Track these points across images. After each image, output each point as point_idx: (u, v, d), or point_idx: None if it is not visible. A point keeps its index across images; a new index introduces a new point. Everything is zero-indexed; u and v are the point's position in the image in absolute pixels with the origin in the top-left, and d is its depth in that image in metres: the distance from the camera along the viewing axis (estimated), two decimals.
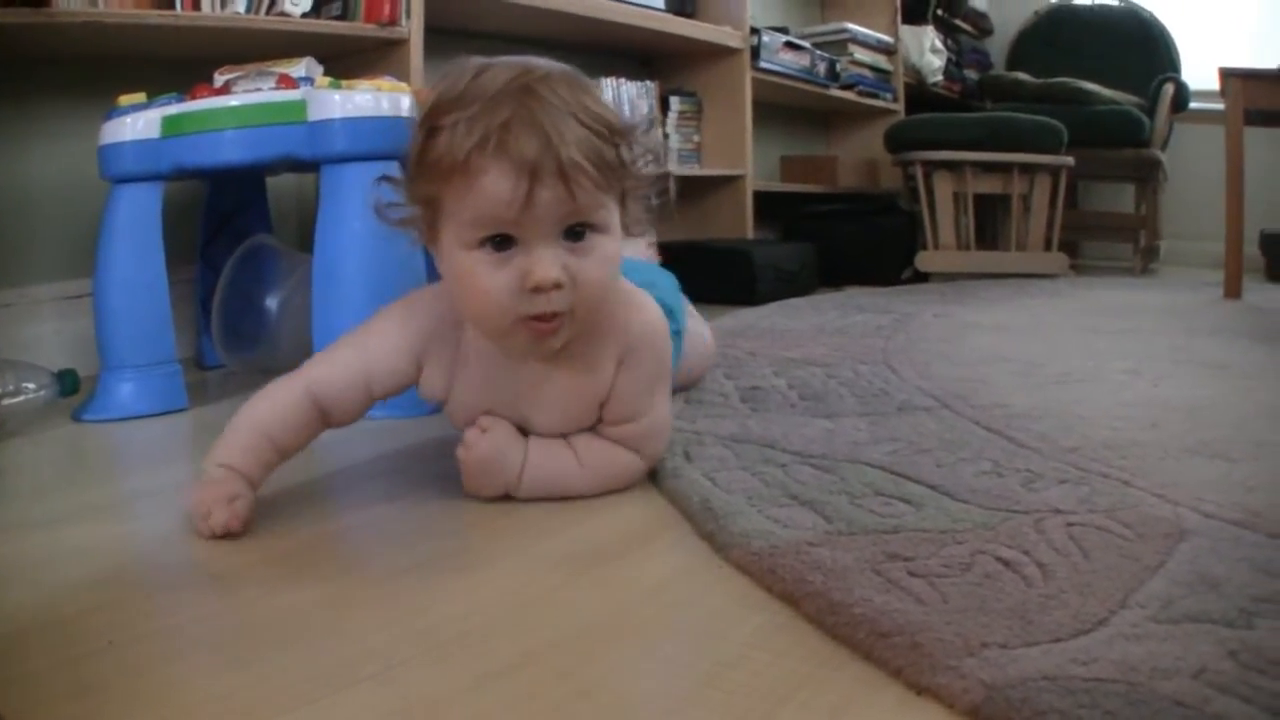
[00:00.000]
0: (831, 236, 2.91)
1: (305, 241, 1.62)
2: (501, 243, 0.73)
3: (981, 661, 0.52)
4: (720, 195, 2.77)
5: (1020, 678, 0.50)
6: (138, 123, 1.28)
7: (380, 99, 1.27)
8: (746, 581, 0.67)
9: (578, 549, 0.75)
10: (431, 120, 0.74)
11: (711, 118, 2.73)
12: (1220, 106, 3.32)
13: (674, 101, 2.62)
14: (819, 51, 2.97)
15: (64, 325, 1.60)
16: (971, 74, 3.91)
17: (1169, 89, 3.14)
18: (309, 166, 1.34)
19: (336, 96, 1.27)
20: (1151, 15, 3.61)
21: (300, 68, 1.40)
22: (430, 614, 0.63)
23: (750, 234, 2.74)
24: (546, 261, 0.73)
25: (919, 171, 2.88)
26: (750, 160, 2.73)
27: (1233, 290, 2.33)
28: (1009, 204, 2.90)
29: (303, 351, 1.45)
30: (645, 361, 0.85)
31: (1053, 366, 1.44)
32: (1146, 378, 1.36)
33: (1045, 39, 3.76)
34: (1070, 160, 2.80)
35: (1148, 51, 3.50)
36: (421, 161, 0.74)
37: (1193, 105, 3.30)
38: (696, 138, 2.72)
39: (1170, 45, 3.52)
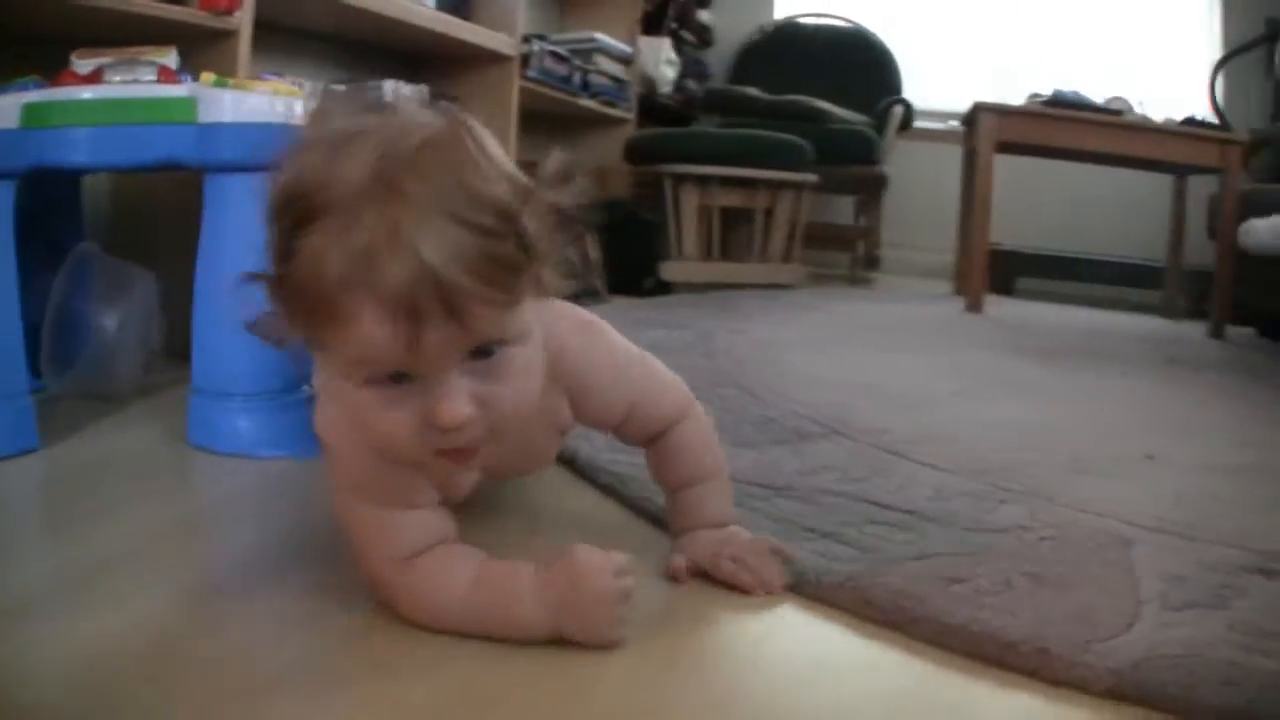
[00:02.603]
0: None
1: (117, 249, 1.54)
2: (395, 376, 0.66)
3: (1097, 655, 0.71)
4: None
5: (1130, 662, 0.70)
6: None
7: (275, 102, 1.26)
8: (823, 611, 0.82)
9: (652, 620, 0.78)
10: (291, 218, 0.65)
11: None
12: (937, 125, 3.92)
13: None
14: (575, 60, 3.15)
15: None
16: (691, 84, 4.27)
17: (897, 110, 3.66)
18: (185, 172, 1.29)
19: (228, 97, 1.24)
20: (877, 38, 4.16)
21: (170, 57, 1.35)
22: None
23: None
24: (450, 398, 0.65)
25: (668, 183, 3.14)
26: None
27: (975, 305, 2.79)
28: (750, 216, 3.24)
29: (138, 374, 1.42)
30: (591, 370, 0.84)
31: (887, 389, 1.71)
32: (972, 399, 1.67)
33: (772, 55, 4.21)
34: (814, 177, 3.19)
35: (873, 72, 4.04)
36: (284, 282, 0.66)
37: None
38: None
39: (894, 67, 4.09)
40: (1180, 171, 3.33)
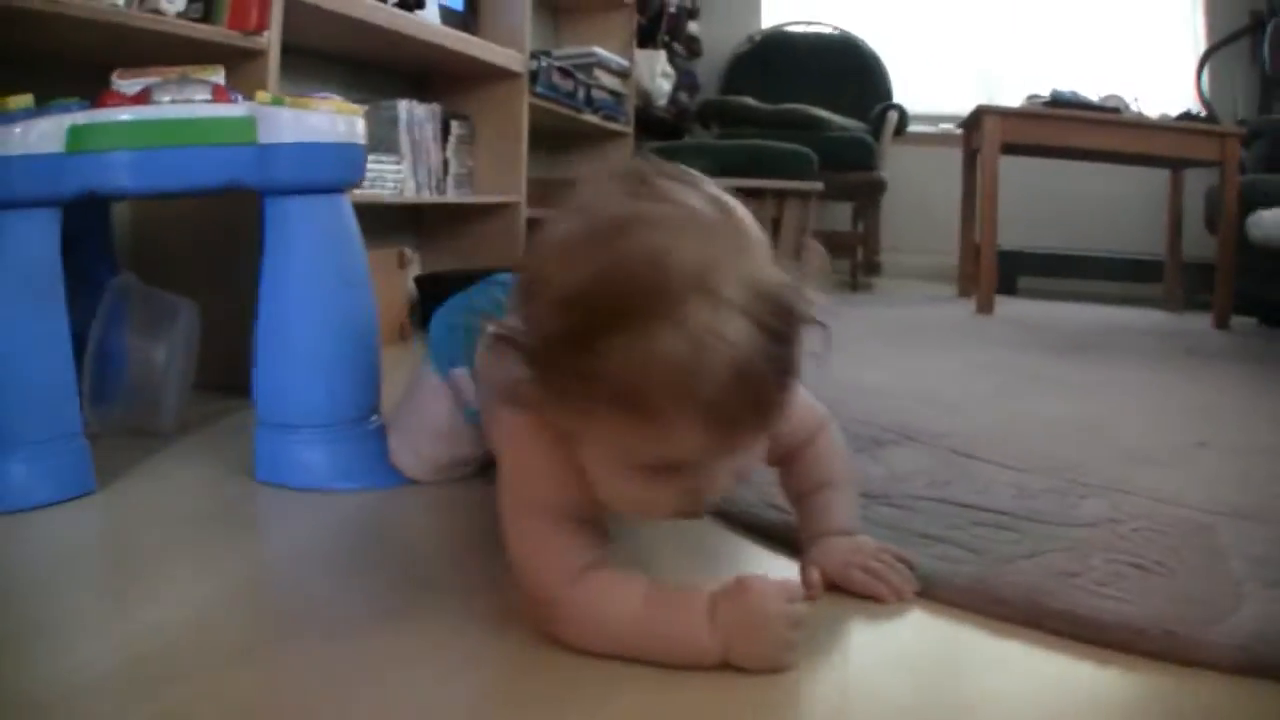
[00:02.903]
0: None
1: (140, 277, 1.57)
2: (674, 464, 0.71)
3: (1219, 634, 0.79)
4: (492, 223, 2.93)
5: (1251, 638, 0.78)
6: (31, 133, 1.14)
7: (336, 120, 1.26)
8: (951, 613, 0.89)
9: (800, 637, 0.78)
10: (588, 314, 0.66)
11: (484, 143, 2.90)
12: (927, 129, 4.02)
13: (454, 125, 2.75)
14: (579, 75, 3.22)
15: None
16: (683, 95, 4.36)
17: (892, 115, 3.77)
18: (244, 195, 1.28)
19: (288, 115, 1.23)
20: (865, 44, 4.27)
21: (219, 75, 1.34)
22: None
23: None
24: (722, 481, 0.73)
25: None
26: (524, 187, 2.92)
27: (986, 306, 2.89)
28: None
29: (183, 408, 1.43)
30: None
31: (931, 392, 1.80)
32: (1013, 397, 1.76)
33: (761, 64, 4.30)
34: (820, 185, 3.28)
35: (862, 77, 4.15)
36: (572, 367, 0.67)
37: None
38: (470, 163, 2.87)
39: (884, 72, 4.20)
40: (1177, 166, 3.44)
